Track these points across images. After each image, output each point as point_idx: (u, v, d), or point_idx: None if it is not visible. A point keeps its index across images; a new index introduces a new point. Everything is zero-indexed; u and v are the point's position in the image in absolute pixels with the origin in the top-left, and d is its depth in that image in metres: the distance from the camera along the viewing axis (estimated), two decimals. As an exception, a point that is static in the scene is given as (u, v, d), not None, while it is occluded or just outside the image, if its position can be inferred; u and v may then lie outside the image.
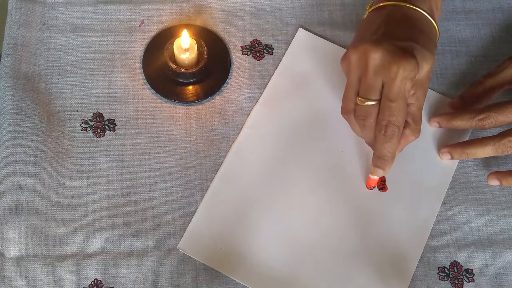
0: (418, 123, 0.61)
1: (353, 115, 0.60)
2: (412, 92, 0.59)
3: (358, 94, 0.59)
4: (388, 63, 0.56)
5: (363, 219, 0.64)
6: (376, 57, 0.56)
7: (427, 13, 0.61)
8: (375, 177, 0.64)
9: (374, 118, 0.59)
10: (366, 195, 0.65)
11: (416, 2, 0.61)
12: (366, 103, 0.58)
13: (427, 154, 0.67)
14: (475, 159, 0.68)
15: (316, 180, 0.66)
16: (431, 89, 0.70)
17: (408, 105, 0.60)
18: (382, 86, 0.58)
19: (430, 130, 0.68)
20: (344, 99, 0.61)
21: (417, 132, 0.61)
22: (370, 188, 0.65)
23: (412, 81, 0.57)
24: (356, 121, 0.61)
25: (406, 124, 0.61)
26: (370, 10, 0.64)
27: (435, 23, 0.62)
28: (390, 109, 0.58)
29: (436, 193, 0.66)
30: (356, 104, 0.60)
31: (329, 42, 0.71)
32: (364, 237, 0.64)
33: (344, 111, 0.61)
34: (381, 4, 0.62)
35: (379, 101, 0.58)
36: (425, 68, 0.58)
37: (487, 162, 0.68)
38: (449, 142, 0.67)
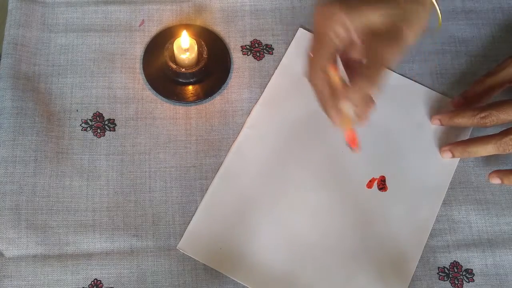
0: (369, 69, 0.57)
1: None
2: (367, 41, 0.57)
3: None
4: (320, 11, 0.57)
5: (363, 219, 0.64)
6: (318, 9, 0.58)
7: None
8: (346, 129, 0.62)
9: (309, 66, 0.59)
10: (366, 195, 0.65)
11: None
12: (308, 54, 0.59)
13: (427, 154, 0.67)
14: (476, 158, 0.68)
15: (316, 180, 0.66)
16: (431, 88, 0.70)
17: (365, 54, 0.58)
18: None
19: (430, 129, 0.68)
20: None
21: (366, 79, 0.56)
22: (353, 146, 0.62)
23: (334, 22, 0.56)
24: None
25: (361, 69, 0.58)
26: None
27: None
28: (315, 50, 0.58)
29: (436, 193, 0.66)
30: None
31: (329, 42, 0.71)
32: (364, 237, 0.64)
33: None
34: None
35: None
36: (371, 16, 0.56)
37: (487, 162, 0.68)
38: (449, 142, 0.67)
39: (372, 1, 0.57)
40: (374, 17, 0.57)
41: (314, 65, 0.58)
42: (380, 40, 0.57)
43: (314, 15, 0.58)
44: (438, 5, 0.60)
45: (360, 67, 0.58)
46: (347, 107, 0.58)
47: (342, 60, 0.62)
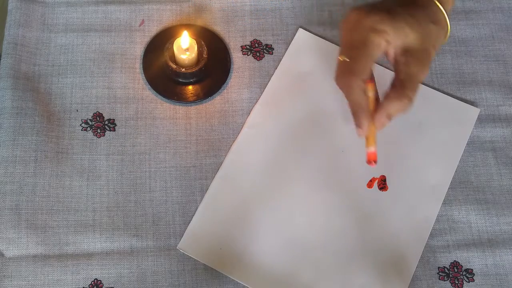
0: (406, 88, 0.59)
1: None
2: (403, 60, 0.59)
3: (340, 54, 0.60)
4: (361, 18, 0.59)
5: (363, 219, 0.64)
6: (353, 15, 0.59)
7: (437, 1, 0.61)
8: (371, 149, 0.61)
9: (344, 72, 0.59)
10: (366, 195, 0.65)
11: None
12: (342, 59, 0.59)
13: (428, 154, 0.67)
14: (476, 158, 0.68)
15: (316, 180, 0.66)
16: (430, 87, 0.70)
17: (398, 71, 0.59)
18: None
19: (430, 129, 0.68)
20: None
21: (403, 96, 0.58)
22: (370, 164, 0.61)
23: (381, 35, 0.58)
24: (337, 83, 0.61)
25: (392, 87, 0.59)
26: None
27: (444, 11, 0.61)
28: (354, 57, 0.58)
29: (437, 193, 0.66)
30: (338, 63, 0.61)
31: (329, 43, 0.71)
32: (364, 237, 0.64)
33: (335, 76, 0.61)
34: None
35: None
36: (411, 35, 0.59)
37: (487, 162, 0.68)
38: (449, 141, 0.67)
39: (411, 23, 0.59)
40: (413, 39, 0.59)
41: (355, 74, 0.58)
42: (414, 60, 0.59)
43: (351, 20, 0.59)
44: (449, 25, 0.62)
45: (397, 84, 0.59)
46: (382, 123, 0.60)
47: None
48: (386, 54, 0.60)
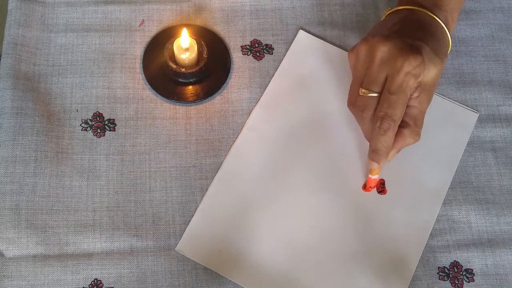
0: (418, 125, 0.61)
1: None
2: (416, 94, 0.60)
3: (361, 86, 0.60)
4: (394, 56, 0.57)
5: (362, 221, 0.64)
6: (384, 49, 0.58)
7: (442, 22, 0.62)
8: (375, 177, 0.64)
9: (373, 110, 0.59)
10: (365, 197, 0.65)
11: (433, 10, 0.62)
12: (368, 94, 0.59)
13: (427, 156, 0.67)
14: (476, 158, 0.68)
15: (315, 182, 0.66)
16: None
17: (410, 107, 0.60)
18: (385, 82, 0.58)
19: (429, 131, 0.68)
20: (350, 91, 0.62)
21: (416, 134, 0.61)
22: (368, 190, 0.65)
23: (416, 78, 0.58)
24: (355, 112, 0.61)
25: (405, 125, 0.61)
26: (387, 13, 0.65)
27: (449, 33, 0.63)
28: (388, 101, 0.58)
29: (436, 194, 0.66)
30: (359, 95, 0.60)
31: (330, 44, 0.71)
32: (364, 239, 0.64)
33: (349, 103, 0.62)
34: (399, 8, 0.63)
35: (380, 94, 0.59)
36: (432, 71, 0.59)
37: (487, 162, 0.68)
38: (448, 145, 0.67)
39: (434, 59, 0.59)
40: (432, 75, 0.60)
41: (392, 118, 0.58)
42: (427, 94, 0.61)
43: (380, 52, 0.58)
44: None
45: (409, 119, 0.61)
46: (392, 157, 0.62)
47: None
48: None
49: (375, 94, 0.59)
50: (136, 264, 0.62)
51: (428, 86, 0.60)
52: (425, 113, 0.62)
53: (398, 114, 0.58)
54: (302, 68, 0.70)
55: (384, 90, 0.58)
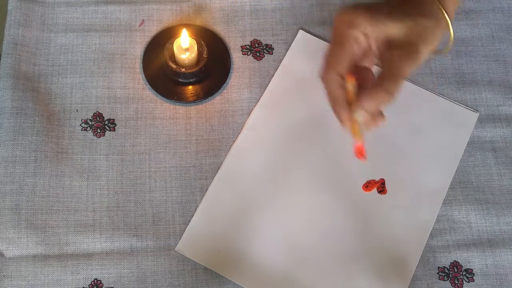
0: (384, 81, 0.57)
1: None
2: (387, 54, 0.58)
3: None
4: (341, 18, 0.58)
5: (363, 221, 0.64)
6: (339, 16, 0.59)
7: None
8: (357, 142, 0.60)
9: (323, 66, 0.59)
10: (366, 197, 0.65)
11: None
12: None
13: (427, 156, 0.67)
14: (476, 159, 0.68)
15: (315, 182, 0.66)
16: (430, 90, 0.70)
17: (382, 66, 0.58)
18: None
19: (429, 131, 0.68)
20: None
21: (381, 90, 0.56)
22: (360, 156, 0.61)
23: (350, 26, 0.57)
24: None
25: (378, 80, 0.58)
26: None
27: (444, 8, 0.60)
28: (331, 53, 0.58)
29: (436, 194, 0.66)
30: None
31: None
32: (364, 239, 0.64)
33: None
34: None
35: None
36: (392, 27, 0.57)
37: (487, 162, 0.68)
38: (448, 145, 0.67)
39: (393, 14, 0.58)
40: (394, 30, 0.58)
41: (331, 68, 0.58)
42: (398, 52, 0.58)
43: (335, 21, 0.59)
44: (451, 27, 0.60)
45: (379, 77, 0.58)
46: (361, 117, 0.58)
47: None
48: (373, 52, 0.59)
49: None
50: (136, 264, 0.62)
51: (399, 44, 0.58)
52: (398, 72, 0.57)
53: (334, 60, 0.58)
54: (302, 68, 0.70)
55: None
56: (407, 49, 0.58)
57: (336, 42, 0.59)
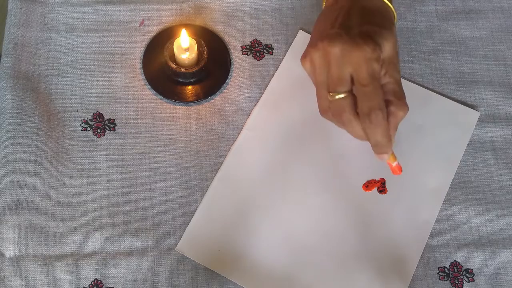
0: (400, 97, 0.60)
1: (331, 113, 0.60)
2: (383, 72, 0.59)
3: (328, 91, 0.59)
4: (349, 52, 0.57)
5: (363, 221, 0.64)
6: (336, 50, 0.57)
7: None
8: (395, 162, 0.62)
9: (350, 111, 0.58)
10: (366, 197, 0.65)
11: None
12: (337, 96, 0.58)
13: (428, 156, 0.67)
14: (476, 158, 0.68)
15: (315, 182, 0.66)
16: (431, 89, 0.70)
17: (384, 85, 0.59)
18: (352, 78, 0.58)
19: (429, 131, 0.68)
20: (318, 99, 0.60)
21: (403, 106, 0.60)
22: (396, 172, 0.63)
23: (377, 61, 0.57)
24: (333, 118, 0.61)
25: (389, 103, 0.59)
26: (325, 2, 0.65)
27: (390, 4, 0.62)
28: (365, 94, 0.57)
29: (437, 194, 0.66)
30: (329, 101, 0.59)
31: (329, 43, 0.71)
32: (364, 239, 0.64)
33: (322, 111, 0.61)
34: None
35: (351, 92, 0.58)
36: (387, 46, 0.58)
37: (487, 162, 0.68)
38: (449, 145, 0.67)
39: (382, 33, 0.59)
40: (388, 48, 0.59)
41: (375, 108, 0.58)
42: (392, 66, 0.60)
43: (333, 55, 0.57)
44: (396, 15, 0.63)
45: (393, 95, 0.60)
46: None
47: None
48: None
49: (344, 95, 0.58)
50: (136, 264, 0.62)
51: (390, 58, 0.59)
52: (400, 82, 0.60)
53: (380, 101, 0.57)
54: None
55: (356, 86, 0.58)
56: (396, 59, 0.60)
57: (362, 84, 0.57)
